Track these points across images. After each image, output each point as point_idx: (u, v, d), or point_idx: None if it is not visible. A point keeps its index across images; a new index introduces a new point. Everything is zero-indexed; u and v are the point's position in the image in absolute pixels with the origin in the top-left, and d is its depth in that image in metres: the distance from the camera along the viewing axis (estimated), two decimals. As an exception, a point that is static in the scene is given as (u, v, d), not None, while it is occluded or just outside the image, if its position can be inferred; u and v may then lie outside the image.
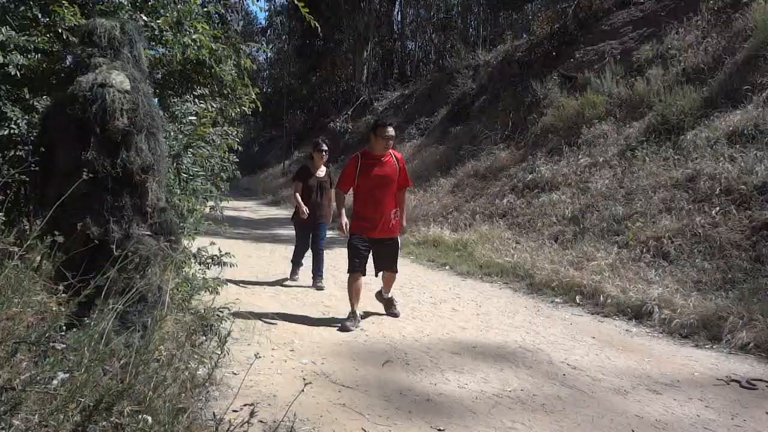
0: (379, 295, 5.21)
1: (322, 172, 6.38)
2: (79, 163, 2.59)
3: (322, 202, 6.31)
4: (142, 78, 2.90)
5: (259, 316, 4.80)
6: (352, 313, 4.71)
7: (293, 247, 6.65)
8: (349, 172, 4.83)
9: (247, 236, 10.28)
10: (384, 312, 5.16)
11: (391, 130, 4.82)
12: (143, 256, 2.69)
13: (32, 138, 3.56)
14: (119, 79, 2.69)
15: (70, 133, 2.67)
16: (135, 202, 2.85)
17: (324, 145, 6.46)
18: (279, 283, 6.38)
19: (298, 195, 6.29)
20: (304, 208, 6.15)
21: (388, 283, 5.10)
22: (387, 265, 4.96)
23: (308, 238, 6.39)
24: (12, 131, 3.48)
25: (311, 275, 6.28)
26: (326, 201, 6.35)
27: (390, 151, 4.87)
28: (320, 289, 6.10)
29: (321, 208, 6.28)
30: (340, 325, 4.64)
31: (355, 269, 4.76)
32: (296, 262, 6.53)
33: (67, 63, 4.19)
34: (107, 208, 2.77)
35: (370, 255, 4.88)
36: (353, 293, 4.75)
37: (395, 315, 5.05)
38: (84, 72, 2.74)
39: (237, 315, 3.96)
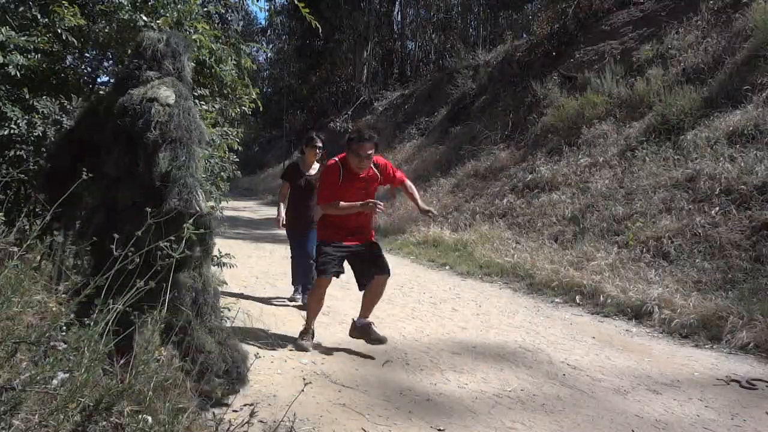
0: (354, 330, 4.14)
1: (314, 170, 5.57)
2: (130, 171, 2.68)
3: (312, 204, 5.38)
4: (188, 93, 2.93)
5: (259, 315, 4.79)
6: (307, 329, 4.15)
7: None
8: (332, 185, 4.00)
9: (247, 236, 10.29)
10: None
11: (369, 148, 3.89)
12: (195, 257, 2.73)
13: (32, 138, 3.57)
14: (166, 94, 2.75)
15: (119, 141, 2.72)
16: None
17: (318, 140, 5.67)
18: (279, 281, 6.36)
19: (282, 201, 5.71)
20: (281, 218, 5.62)
21: (374, 296, 4.10)
22: (376, 270, 4.04)
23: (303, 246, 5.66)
24: (12, 131, 3.49)
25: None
26: (315, 203, 5.32)
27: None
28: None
29: (309, 210, 5.43)
30: (293, 345, 4.08)
31: (326, 272, 3.96)
32: (300, 282, 5.70)
33: (67, 63, 4.20)
34: (153, 213, 2.82)
35: (350, 267, 4.13)
36: (314, 303, 4.14)
37: (380, 341, 4.01)
38: (135, 85, 2.78)
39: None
